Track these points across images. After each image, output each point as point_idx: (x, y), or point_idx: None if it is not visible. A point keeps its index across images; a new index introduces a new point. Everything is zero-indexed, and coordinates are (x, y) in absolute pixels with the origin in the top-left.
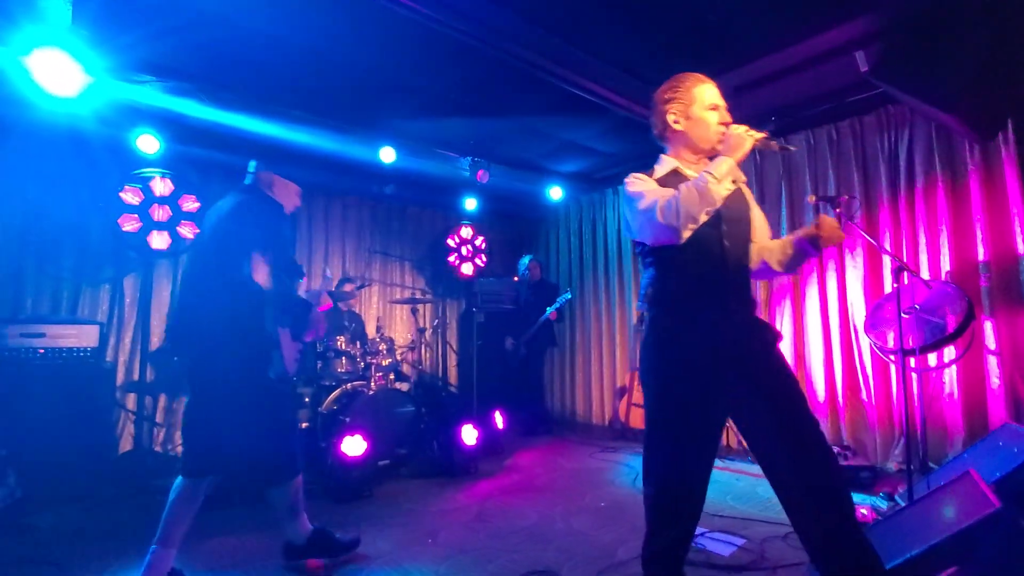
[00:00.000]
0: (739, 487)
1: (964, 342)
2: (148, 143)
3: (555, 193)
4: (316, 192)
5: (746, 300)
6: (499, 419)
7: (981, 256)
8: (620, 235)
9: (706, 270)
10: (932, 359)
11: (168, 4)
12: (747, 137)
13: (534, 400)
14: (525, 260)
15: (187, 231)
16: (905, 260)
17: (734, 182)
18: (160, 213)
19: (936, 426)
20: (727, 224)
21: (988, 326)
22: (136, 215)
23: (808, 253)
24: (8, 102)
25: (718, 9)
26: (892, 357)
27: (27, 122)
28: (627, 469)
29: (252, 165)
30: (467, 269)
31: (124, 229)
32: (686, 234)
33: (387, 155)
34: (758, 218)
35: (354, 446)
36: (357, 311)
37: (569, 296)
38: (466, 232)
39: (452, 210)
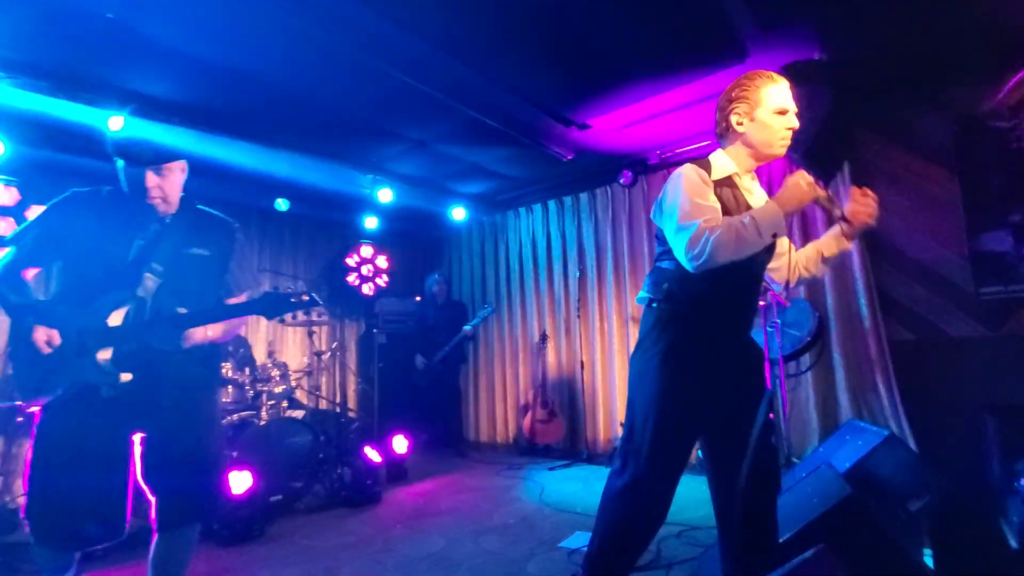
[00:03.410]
0: None
1: (817, 351)
2: None
3: (458, 214)
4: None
5: (752, 320)
6: (403, 443)
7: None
8: (522, 256)
9: (736, 282)
10: (792, 366)
11: None
12: (809, 191)
13: (443, 420)
14: (432, 278)
15: None
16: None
17: (774, 235)
18: (3, 226)
19: (798, 424)
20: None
21: (833, 337)
22: None
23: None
24: None
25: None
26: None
27: None
28: (533, 484)
29: None
30: (368, 289)
31: None
32: (700, 271)
33: (281, 168)
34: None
35: (240, 482)
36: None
37: (491, 310)
38: (366, 251)
39: (351, 228)
